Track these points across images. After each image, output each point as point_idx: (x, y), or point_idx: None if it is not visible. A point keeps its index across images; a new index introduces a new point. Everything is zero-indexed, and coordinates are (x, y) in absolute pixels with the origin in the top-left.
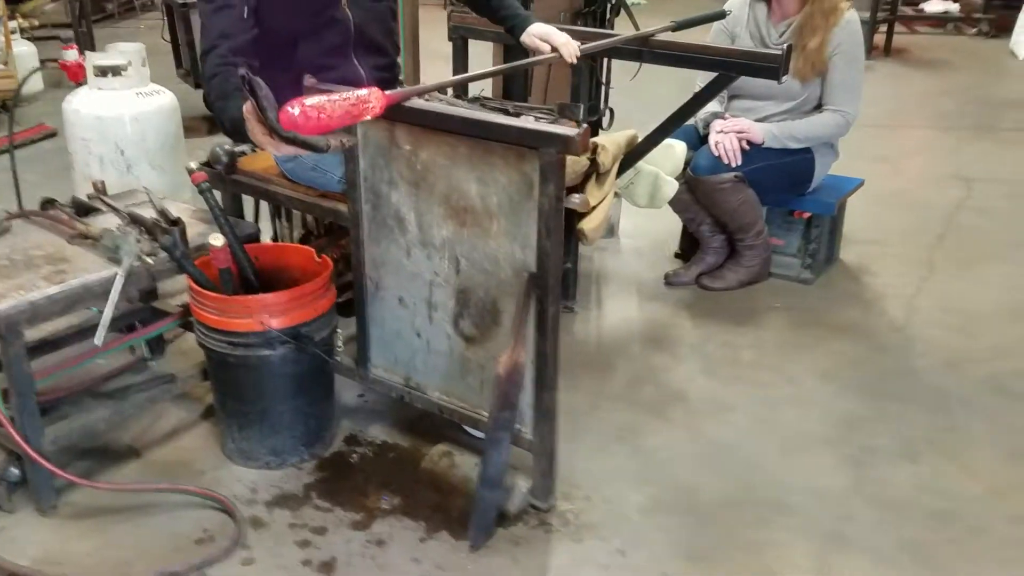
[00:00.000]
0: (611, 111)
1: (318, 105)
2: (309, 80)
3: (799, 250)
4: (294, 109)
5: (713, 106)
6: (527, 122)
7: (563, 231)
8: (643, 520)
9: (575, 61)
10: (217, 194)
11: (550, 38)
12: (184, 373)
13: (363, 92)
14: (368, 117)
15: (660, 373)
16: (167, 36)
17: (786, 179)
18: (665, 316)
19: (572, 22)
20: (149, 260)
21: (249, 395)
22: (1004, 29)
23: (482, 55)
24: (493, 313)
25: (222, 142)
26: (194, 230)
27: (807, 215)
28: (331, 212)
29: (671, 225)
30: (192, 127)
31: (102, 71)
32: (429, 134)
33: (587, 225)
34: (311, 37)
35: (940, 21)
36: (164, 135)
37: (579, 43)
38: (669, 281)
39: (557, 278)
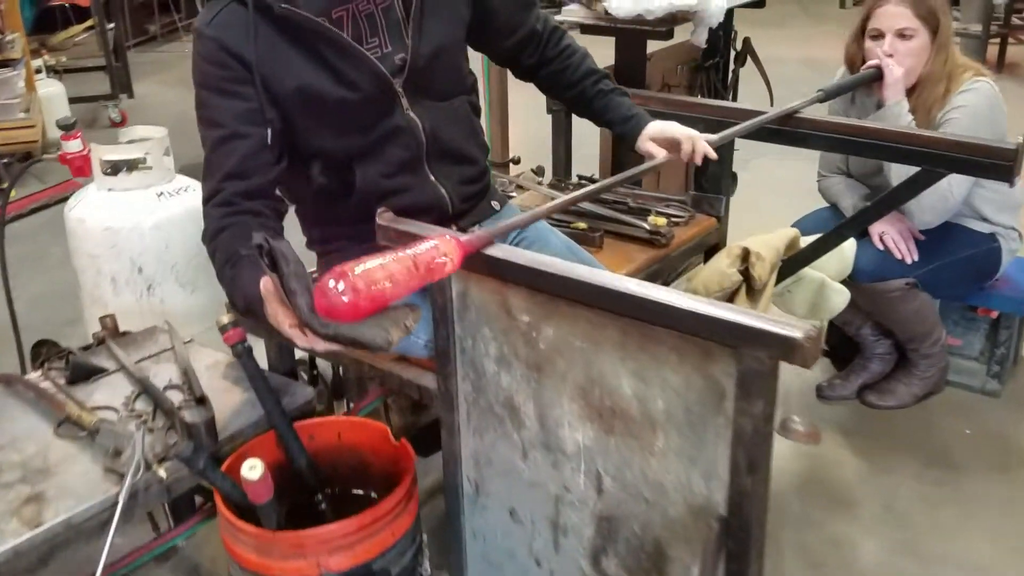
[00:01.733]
0: (734, 175)
1: (369, 275)
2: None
3: (982, 353)
4: (337, 285)
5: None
6: (717, 308)
7: (770, 464)
8: None
9: (699, 161)
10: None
11: (669, 133)
12: None
13: (430, 244)
14: (440, 277)
15: (840, 548)
16: None
17: (968, 276)
18: (828, 449)
19: (691, 77)
20: (161, 472)
21: None
22: None
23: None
24: (655, 557)
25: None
26: (231, 400)
27: (995, 313)
28: (413, 386)
29: None
30: None
31: (113, 167)
32: (558, 304)
33: None
34: (368, 156)
35: None
36: (194, 243)
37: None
38: (823, 394)
39: (762, 530)
